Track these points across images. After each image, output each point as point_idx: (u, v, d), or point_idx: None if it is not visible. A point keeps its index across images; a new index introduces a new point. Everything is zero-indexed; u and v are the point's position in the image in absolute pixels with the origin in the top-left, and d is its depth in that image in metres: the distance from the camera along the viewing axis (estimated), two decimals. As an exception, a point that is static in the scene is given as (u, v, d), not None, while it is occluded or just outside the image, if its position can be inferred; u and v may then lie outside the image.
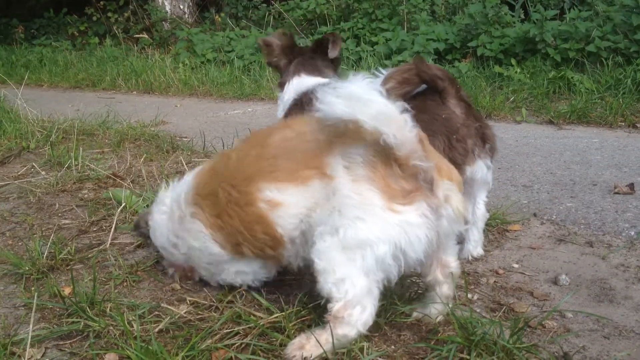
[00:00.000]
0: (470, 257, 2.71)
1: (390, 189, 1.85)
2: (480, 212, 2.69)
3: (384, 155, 1.85)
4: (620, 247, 2.80)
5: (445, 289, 2.13)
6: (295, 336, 1.99)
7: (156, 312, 2.28)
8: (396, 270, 1.90)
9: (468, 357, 1.90)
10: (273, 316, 2.14)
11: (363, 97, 1.78)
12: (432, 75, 2.46)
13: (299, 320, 2.12)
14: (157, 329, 2.13)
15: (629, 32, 6.58)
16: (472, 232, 2.69)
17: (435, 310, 2.16)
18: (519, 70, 6.90)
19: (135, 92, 8.78)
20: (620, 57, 6.47)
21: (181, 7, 11.84)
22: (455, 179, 1.98)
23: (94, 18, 13.13)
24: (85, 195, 3.68)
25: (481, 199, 2.68)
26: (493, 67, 7.12)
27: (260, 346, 2.00)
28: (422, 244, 1.87)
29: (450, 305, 2.10)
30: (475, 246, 2.72)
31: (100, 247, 2.92)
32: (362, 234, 1.84)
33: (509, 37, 7.40)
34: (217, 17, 11.36)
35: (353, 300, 1.89)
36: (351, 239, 1.85)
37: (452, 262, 2.12)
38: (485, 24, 7.67)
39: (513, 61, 7.11)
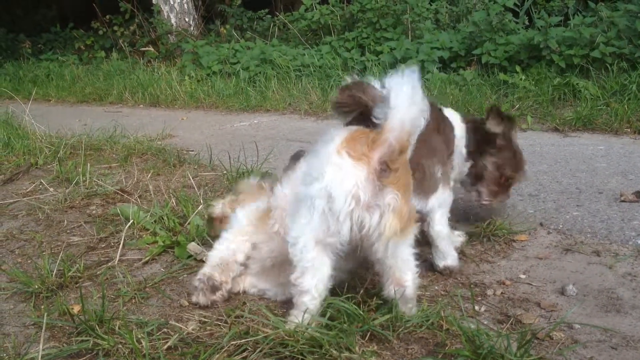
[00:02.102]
0: (438, 269, 2.75)
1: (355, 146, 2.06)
2: (434, 231, 2.69)
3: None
4: (627, 256, 2.80)
5: (402, 308, 2.21)
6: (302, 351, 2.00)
7: (165, 329, 2.29)
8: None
9: (475, 370, 1.90)
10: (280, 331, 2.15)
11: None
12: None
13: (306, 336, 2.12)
14: (165, 346, 2.15)
15: (633, 37, 6.57)
16: (433, 247, 2.73)
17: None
18: (523, 77, 6.89)
19: (141, 106, 8.83)
20: (625, 63, 6.46)
21: (187, 19, 11.90)
22: (404, 204, 2.08)
23: (100, 32, 13.22)
24: (94, 212, 3.71)
25: (435, 218, 2.69)
26: (498, 74, 7.12)
27: (268, 362, 2.02)
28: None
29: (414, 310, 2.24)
30: (437, 259, 2.73)
31: (109, 264, 2.95)
32: None
33: (513, 44, 7.40)
34: (222, 29, 11.42)
35: None
36: None
37: (407, 281, 2.18)
38: (490, 32, 7.68)
39: (518, 68, 7.11)
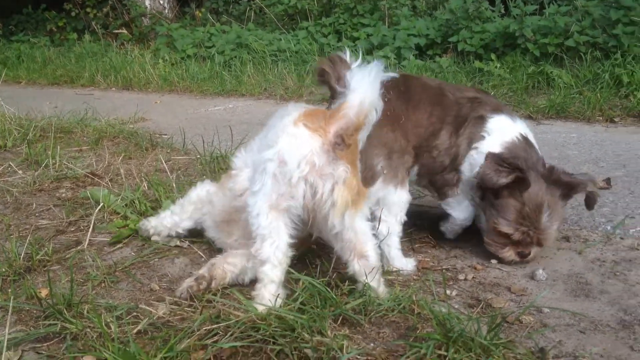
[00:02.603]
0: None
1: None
2: (384, 231, 2.64)
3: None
4: (597, 241, 2.83)
5: (370, 282, 2.23)
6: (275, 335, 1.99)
7: (134, 313, 2.26)
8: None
9: (446, 353, 1.90)
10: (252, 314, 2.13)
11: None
12: None
13: (279, 319, 2.11)
14: (135, 331, 2.12)
15: (607, 26, 6.63)
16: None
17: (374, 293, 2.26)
18: (498, 65, 6.93)
19: (114, 89, 8.71)
20: (599, 52, 6.52)
21: (161, 2, 11.74)
22: (353, 183, 2.15)
23: (73, 13, 13.00)
24: (63, 195, 3.65)
25: (385, 219, 2.65)
26: (473, 62, 7.15)
27: (241, 345, 2.00)
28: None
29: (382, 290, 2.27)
30: (388, 258, 2.64)
31: (78, 247, 2.90)
32: None
33: (489, 32, 7.43)
34: (197, 12, 11.30)
35: None
36: None
37: (368, 250, 2.23)
38: (466, 19, 7.70)
39: (493, 56, 7.14)
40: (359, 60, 2.34)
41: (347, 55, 2.43)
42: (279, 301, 2.17)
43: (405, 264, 2.63)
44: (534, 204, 2.54)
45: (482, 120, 2.69)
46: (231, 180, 2.63)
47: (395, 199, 2.65)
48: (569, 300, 2.34)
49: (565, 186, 2.61)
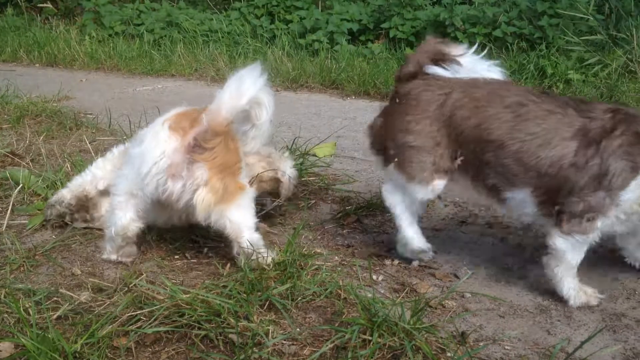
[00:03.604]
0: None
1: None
2: None
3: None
4: (518, 228, 2.93)
5: (250, 263, 2.38)
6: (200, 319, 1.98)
7: (55, 298, 2.20)
8: None
9: (370, 338, 1.93)
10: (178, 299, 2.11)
11: None
12: None
13: (204, 304, 2.09)
14: (55, 316, 2.07)
15: (533, 18, 6.83)
16: None
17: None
18: (429, 52, 7.02)
19: (37, 65, 8.37)
20: (525, 43, 6.71)
21: (88, -24, 11.33)
22: (220, 186, 2.33)
23: (-6, -15, 12.39)
24: (-19, 175, 3.49)
25: None
26: (405, 49, 7.23)
27: (165, 330, 1.98)
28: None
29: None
30: None
31: (-4, 230, 2.79)
32: None
33: (420, 20, 7.52)
34: (126, -12, 10.97)
35: None
36: None
37: (243, 237, 2.39)
38: (398, 6, 7.76)
39: (424, 44, 7.23)
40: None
41: None
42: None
43: None
44: None
45: None
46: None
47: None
48: (490, 285, 2.41)
49: None
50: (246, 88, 2.28)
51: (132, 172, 2.38)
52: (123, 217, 2.42)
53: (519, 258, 2.64)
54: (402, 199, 2.51)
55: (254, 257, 2.38)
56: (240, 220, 2.40)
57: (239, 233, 2.39)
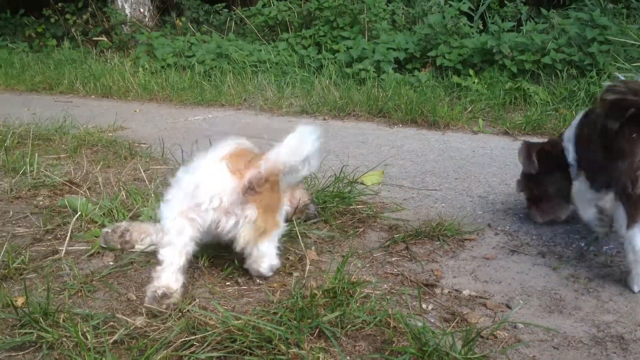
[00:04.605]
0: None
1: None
2: None
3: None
4: (571, 258, 2.88)
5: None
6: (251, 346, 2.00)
7: (111, 323, 2.26)
8: None
9: (421, 367, 1.93)
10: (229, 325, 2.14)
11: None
12: None
13: (256, 331, 2.12)
14: (111, 341, 2.12)
15: (583, 45, 6.76)
16: None
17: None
18: (476, 80, 7.02)
19: (93, 96, 8.65)
20: (575, 70, 6.64)
21: (141, 10, 11.71)
22: (265, 219, 2.56)
23: (52, 20, 12.87)
24: (40, 203, 3.62)
25: None
26: (451, 77, 7.23)
27: (218, 356, 2.01)
28: None
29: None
30: None
31: (55, 256, 2.88)
32: None
33: (467, 48, 7.52)
34: (177, 21, 11.27)
35: None
36: None
37: (263, 264, 2.62)
38: (445, 35, 7.79)
39: (471, 72, 7.24)
40: None
41: None
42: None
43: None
44: None
45: None
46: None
47: None
48: (543, 316, 2.37)
49: None
50: (305, 148, 2.50)
51: (183, 195, 2.55)
52: (181, 236, 2.54)
53: (572, 288, 2.59)
54: None
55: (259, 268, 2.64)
56: (266, 251, 2.62)
57: (261, 259, 2.62)
